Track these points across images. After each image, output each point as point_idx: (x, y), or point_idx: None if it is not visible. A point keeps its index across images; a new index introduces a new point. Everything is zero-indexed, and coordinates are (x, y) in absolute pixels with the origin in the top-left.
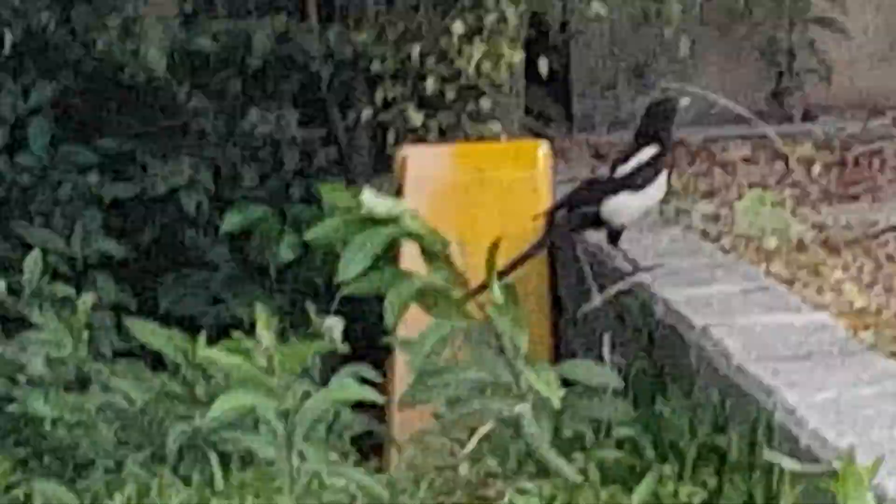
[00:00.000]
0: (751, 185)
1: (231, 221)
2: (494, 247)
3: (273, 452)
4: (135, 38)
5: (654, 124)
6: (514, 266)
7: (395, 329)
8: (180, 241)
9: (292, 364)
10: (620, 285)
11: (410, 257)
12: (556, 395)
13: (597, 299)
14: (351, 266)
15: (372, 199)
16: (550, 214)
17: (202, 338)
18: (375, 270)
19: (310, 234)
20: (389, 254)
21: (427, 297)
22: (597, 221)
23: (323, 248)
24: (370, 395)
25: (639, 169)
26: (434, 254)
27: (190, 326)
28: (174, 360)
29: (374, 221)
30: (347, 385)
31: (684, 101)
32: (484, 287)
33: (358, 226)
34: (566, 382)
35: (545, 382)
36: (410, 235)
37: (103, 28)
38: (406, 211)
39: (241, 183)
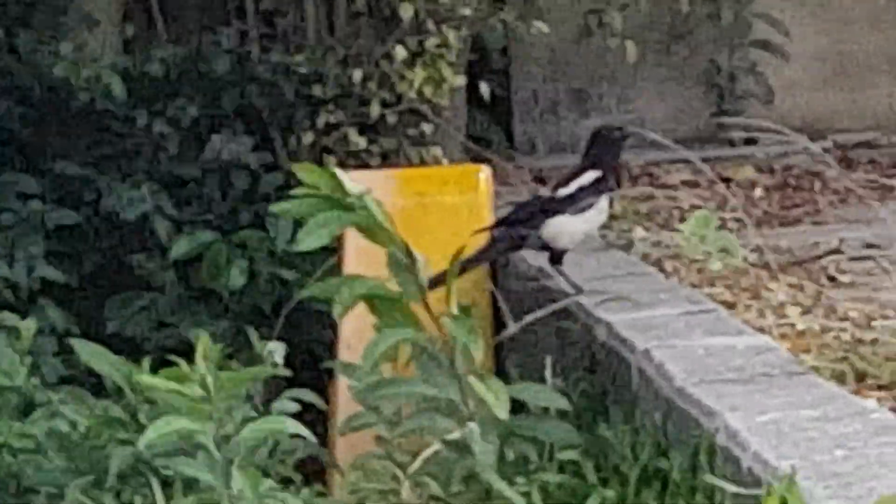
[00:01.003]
0: (692, 209)
1: (180, 247)
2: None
3: (211, 478)
4: (89, 65)
5: (599, 150)
6: (444, 277)
7: (338, 350)
8: (126, 264)
9: (231, 389)
10: (538, 313)
11: (354, 267)
12: (503, 408)
13: (512, 327)
14: (310, 238)
15: (349, 180)
16: (491, 231)
17: (145, 363)
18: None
19: (277, 207)
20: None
21: (379, 304)
22: (537, 243)
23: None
24: (302, 430)
25: (580, 192)
26: (395, 260)
27: (136, 350)
28: (117, 385)
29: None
30: (281, 420)
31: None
32: (441, 282)
33: (326, 205)
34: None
35: (493, 395)
36: (375, 228)
37: (54, 54)
38: (378, 203)
39: (190, 207)
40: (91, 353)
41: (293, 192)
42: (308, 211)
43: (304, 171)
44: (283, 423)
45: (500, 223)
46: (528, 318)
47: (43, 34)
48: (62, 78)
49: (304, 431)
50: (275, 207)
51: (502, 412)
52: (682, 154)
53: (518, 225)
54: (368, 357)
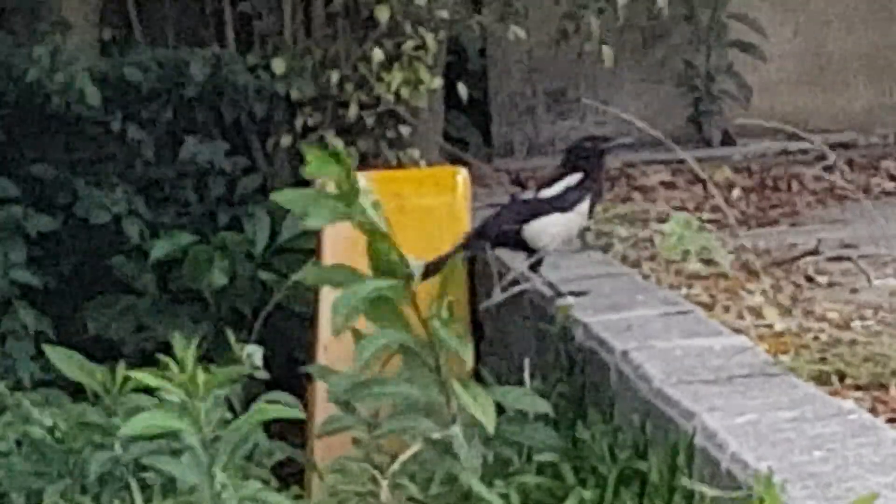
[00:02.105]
0: (670, 210)
1: (160, 248)
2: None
3: (195, 479)
4: (64, 69)
5: (581, 159)
6: (428, 273)
7: (318, 353)
8: (105, 267)
9: (210, 390)
10: (525, 285)
11: (332, 256)
12: (490, 421)
13: (498, 296)
14: (316, 218)
15: (363, 181)
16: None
17: (121, 368)
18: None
19: (278, 196)
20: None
21: (373, 305)
22: (518, 242)
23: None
24: (289, 412)
25: (564, 193)
26: (388, 263)
27: (115, 353)
28: (93, 389)
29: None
30: (265, 408)
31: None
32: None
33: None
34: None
35: (481, 407)
36: (372, 232)
37: (28, 59)
38: (379, 209)
39: (167, 210)
40: (63, 359)
41: (297, 190)
42: (305, 206)
43: (315, 156)
44: (267, 410)
45: (481, 229)
46: (515, 288)
47: (18, 38)
48: (36, 82)
49: (292, 413)
50: (276, 196)
51: (490, 426)
52: (660, 156)
53: (500, 225)
54: (359, 359)
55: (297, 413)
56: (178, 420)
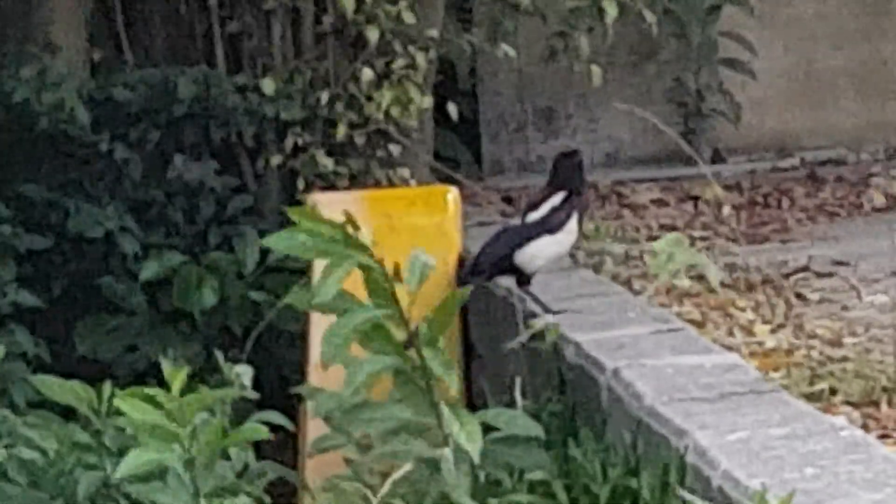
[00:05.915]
0: (661, 228)
1: (150, 269)
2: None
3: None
4: (52, 90)
5: (563, 175)
6: None
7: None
8: (96, 287)
9: (196, 411)
10: (545, 320)
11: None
12: (476, 449)
13: (523, 335)
14: (329, 286)
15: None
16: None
17: (107, 387)
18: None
19: (270, 242)
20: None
21: (366, 332)
22: (510, 268)
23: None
24: (263, 433)
25: (550, 214)
26: (380, 289)
27: (106, 373)
28: (82, 411)
29: (335, 243)
30: (250, 428)
31: None
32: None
33: (324, 244)
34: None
35: (467, 434)
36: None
37: (16, 79)
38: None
39: (157, 230)
40: (51, 386)
41: (287, 232)
42: (308, 251)
43: (299, 215)
44: (247, 430)
45: (474, 266)
46: (524, 336)
47: (7, 60)
48: (24, 102)
49: (264, 433)
50: (269, 242)
51: (475, 453)
52: (650, 173)
53: (490, 258)
54: (351, 383)
55: (266, 434)
56: (169, 452)
